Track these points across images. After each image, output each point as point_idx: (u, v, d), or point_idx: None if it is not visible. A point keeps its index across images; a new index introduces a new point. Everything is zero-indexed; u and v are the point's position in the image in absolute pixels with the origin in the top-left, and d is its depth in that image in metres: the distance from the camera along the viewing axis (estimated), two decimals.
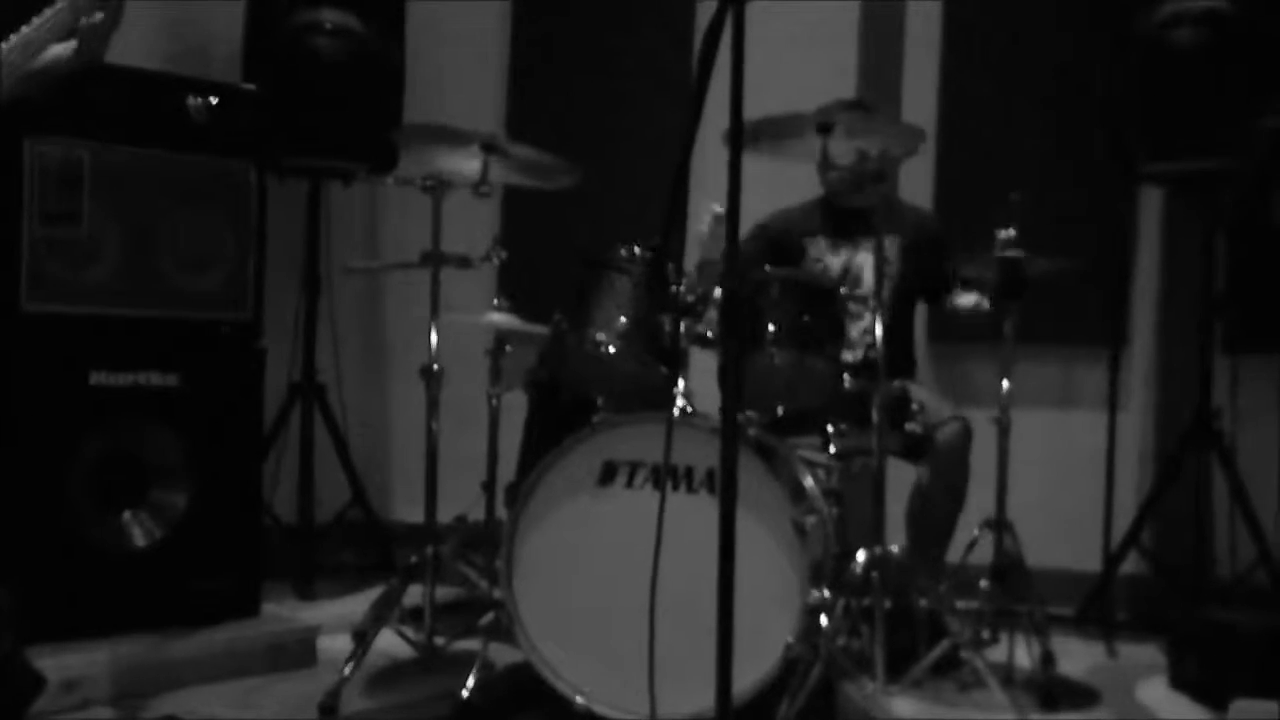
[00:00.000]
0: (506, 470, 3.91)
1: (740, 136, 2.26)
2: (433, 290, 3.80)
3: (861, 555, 3.61)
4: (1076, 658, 4.23)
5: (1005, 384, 3.86)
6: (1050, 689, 3.76)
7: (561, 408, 3.70)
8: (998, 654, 3.87)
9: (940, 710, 3.67)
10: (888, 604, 3.55)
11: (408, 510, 5.25)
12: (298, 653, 3.95)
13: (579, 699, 3.31)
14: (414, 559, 3.76)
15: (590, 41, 5.61)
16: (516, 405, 3.96)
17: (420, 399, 3.82)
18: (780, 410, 3.69)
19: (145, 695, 3.57)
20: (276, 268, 4.43)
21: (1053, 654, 3.86)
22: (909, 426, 3.98)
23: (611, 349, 3.47)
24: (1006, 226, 3.79)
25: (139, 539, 3.81)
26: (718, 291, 3.47)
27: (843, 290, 3.68)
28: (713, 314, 3.54)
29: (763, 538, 3.19)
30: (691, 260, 3.72)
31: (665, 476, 3.22)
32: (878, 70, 5.34)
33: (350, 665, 3.57)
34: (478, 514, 4.15)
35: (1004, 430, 3.86)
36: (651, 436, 3.23)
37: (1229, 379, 4.76)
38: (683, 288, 3.52)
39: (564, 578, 3.38)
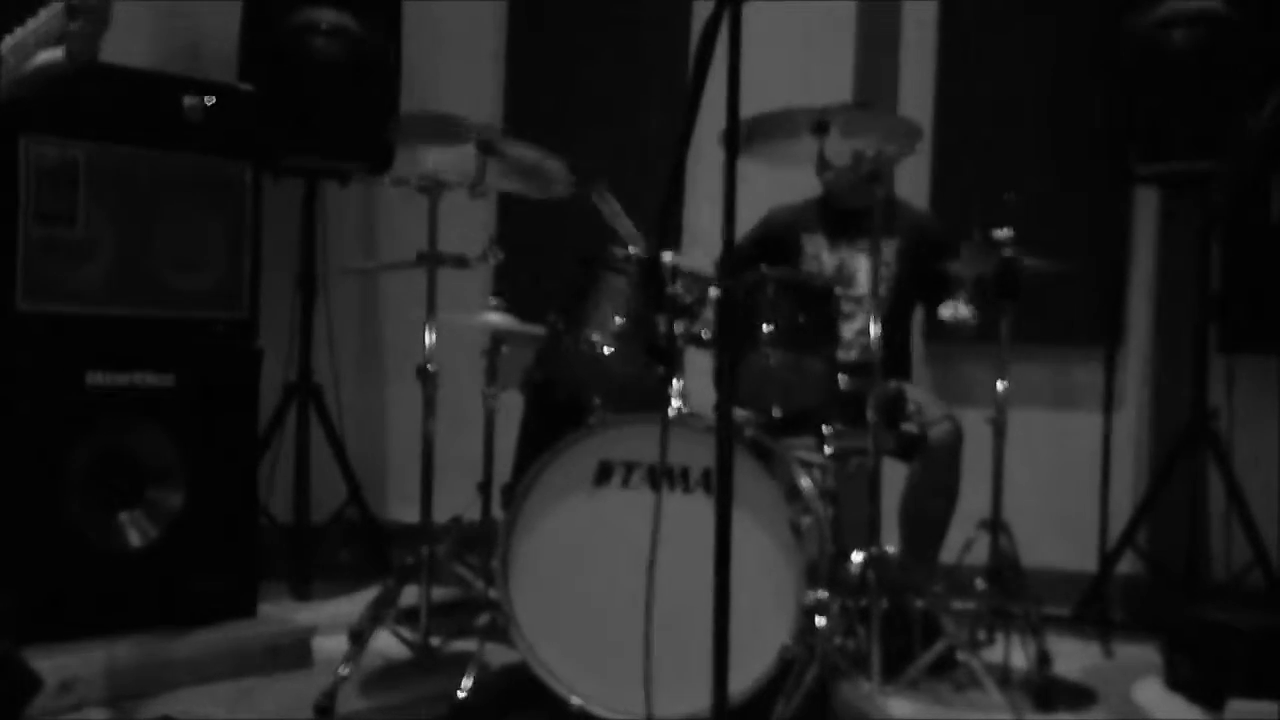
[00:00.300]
0: (502, 470, 3.91)
1: (736, 136, 2.26)
2: (429, 290, 3.80)
3: (857, 555, 3.61)
4: (1072, 658, 4.23)
5: (1001, 384, 3.86)
6: (1046, 689, 3.76)
7: (557, 408, 3.70)
8: (994, 654, 3.87)
9: (936, 710, 3.68)
10: (884, 604, 3.55)
11: (404, 510, 5.24)
12: (294, 653, 3.95)
13: (575, 699, 3.31)
14: (410, 559, 3.76)
15: (587, 42, 5.61)
16: (512, 405, 3.95)
17: (416, 399, 3.82)
18: (776, 410, 3.69)
19: (141, 696, 3.57)
20: (272, 268, 4.43)
21: (1048, 654, 3.86)
22: (904, 426, 3.98)
23: (607, 349, 3.47)
24: (1002, 226, 3.80)
25: (135, 539, 3.81)
26: (713, 291, 3.47)
27: (837, 290, 3.68)
28: (708, 314, 3.54)
29: (758, 538, 3.19)
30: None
31: (661, 477, 3.22)
32: (873, 71, 5.34)
33: (346, 666, 3.57)
34: (473, 514, 4.14)
35: (1000, 430, 3.86)
36: (647, 437, 3.23)
37: (1225, 379, 4.76)
38: (678, 288, 3.52)
39: (560, 578, 3.38)
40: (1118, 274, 5.05)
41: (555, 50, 5.66)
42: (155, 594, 3.79)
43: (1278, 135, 4.33)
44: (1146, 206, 5.09)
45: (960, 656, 3.72)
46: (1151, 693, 3.95)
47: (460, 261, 3.86)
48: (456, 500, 4.06)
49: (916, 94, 5.26)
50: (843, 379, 3.59)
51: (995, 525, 3.88)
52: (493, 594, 3.50)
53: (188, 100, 3.87)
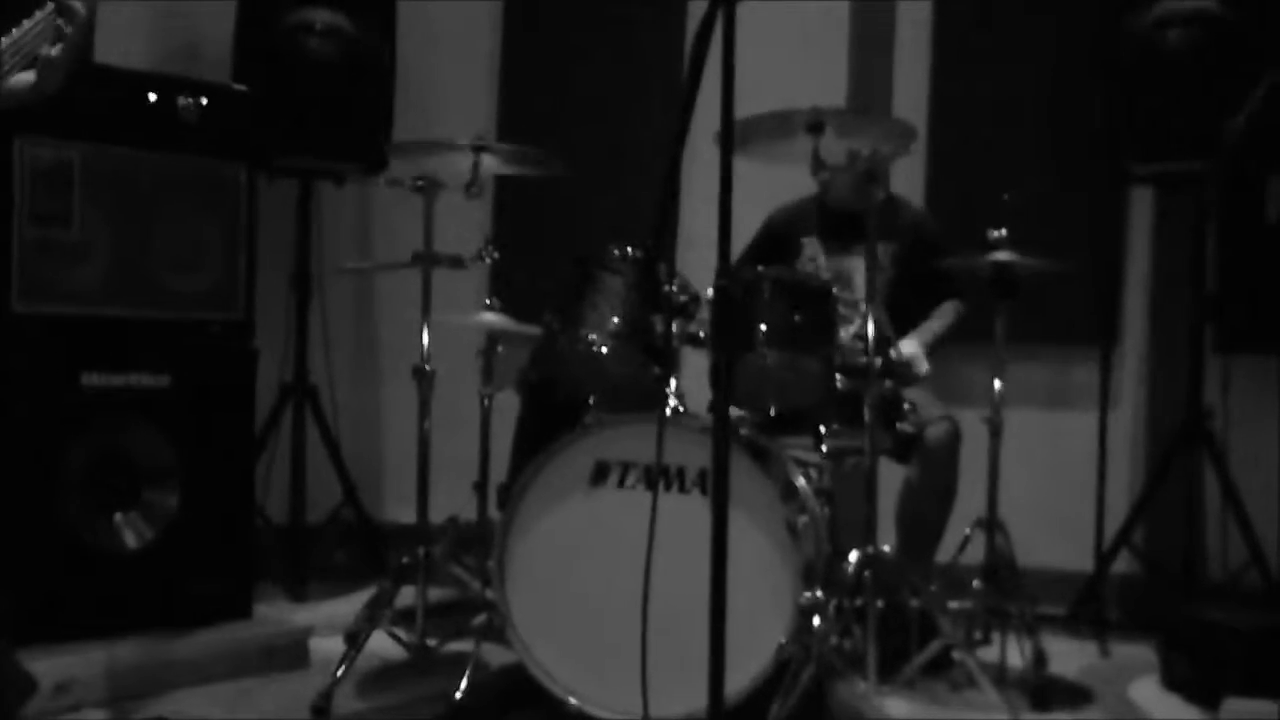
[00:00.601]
0: (498, 471, 3.91)
1: (731, 137, 2.26)
2: (424, 290, 3.80)
3: (854, 555, 3.61)
4: (1068, 657, 4.23)
5: (997, 384, 3.86)
6: (1042, 689, 3.76)
7: (553, 408, 3.70)
8: (990, 654, 3.87)
9: (932, 710, 3.68)
10: (880, 604, 3.54)
11: (400, 511, 5.25)
12: (290, 654, 3.95)
13: (571, 700, 3.31)
14: (406, 560, 3.75)
15: (582, 41, 5.61)
16: (508, 406, 3.95)
17: (412, 399, 3.82)
18: (772, 410, 3.69)
19: (138, 697, 3.57)
20: (268, 268, 4.43)
21: (1045, 654, 3.86)
22: (901, 426, 3.98)
23: (603, 349, 3.47)
24: (998, 227, 3.80)
25: (131, 541, 3.80)
26: (709, 291, 3.47)
27: (834, 292, 3.68)
28: (704, 314, 3.54)
29: (755, 538, 3.19)
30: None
31: (657, 477, 3.22)
32: (868, 71, 5.34)
33: (343, 667, 3.57)
34: (470, 515, 4.14)
35: (996, 430, 3.86)
36: (643, 436, 3.23)
37: (1220, 378, 4.77)
38: (674, 288, 3.52)
39: (556, 578, 3.38)
40: (1114, 274, 5.06)
41: (550, 50, 5.66)
42: (151, 595, 3.79)
43: (1256, 136, 4.33)
44: (1142, 206, 5.09)
45: (956, 656, 3.71)
46: (1148, 692, 3.95)
47: (456, 261, 3.86)
48: (453, 500, 4.06)
49: (911, 94, 5.26)
50: (839, 378, 3.58)
51: (991, 524, 3.88)
52: (489, 594, 3.50)
53: (182, 101, 3.87)
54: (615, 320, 3.49)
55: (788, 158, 3.66)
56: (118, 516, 3.80)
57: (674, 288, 3.52)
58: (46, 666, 3.28)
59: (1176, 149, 4.50)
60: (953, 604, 3.84)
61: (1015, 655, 3.87)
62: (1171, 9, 4.49)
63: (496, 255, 3.99)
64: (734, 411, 3.58)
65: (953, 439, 4.13)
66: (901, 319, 4.37)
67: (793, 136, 3.57)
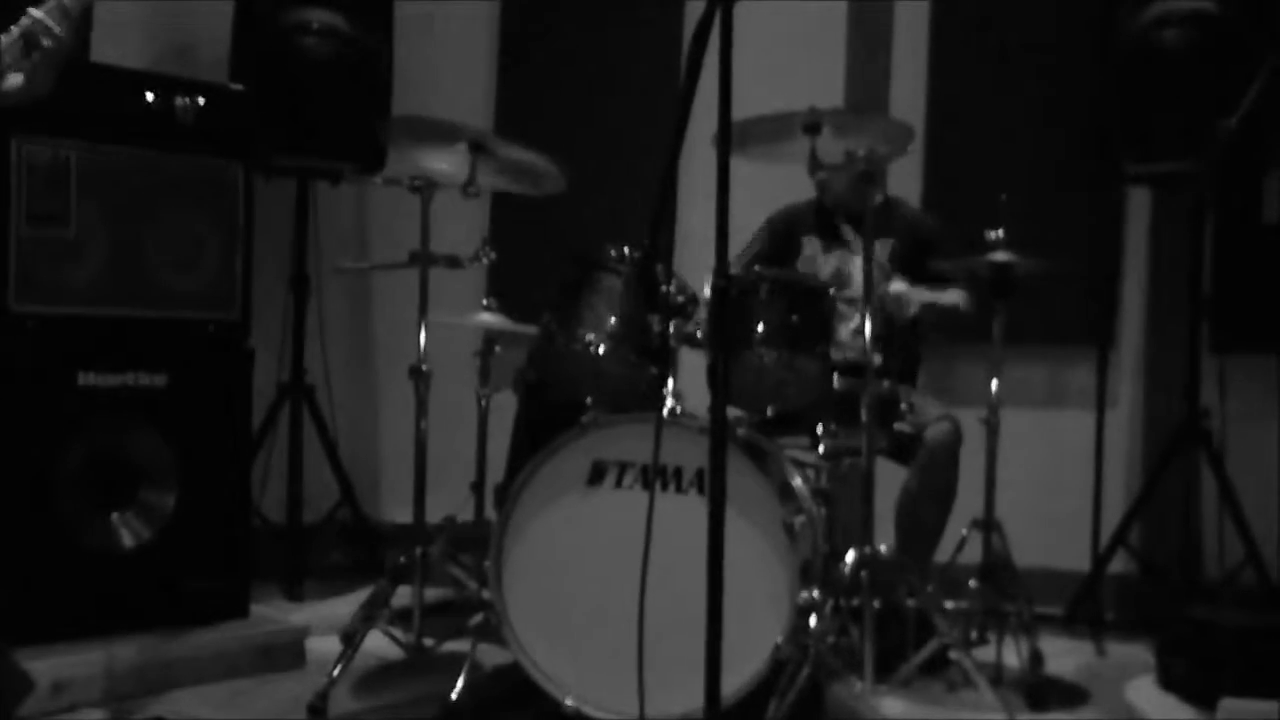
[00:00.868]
0: (495, 471, 3.91)
1: (728, 137, 2.26)
2: (421, 290, 3.80)
3: (850, 555, 3.61)
4: (1065, 657, 4.23)
5: (994, 384, 3.86)
6: (1039, 688, 3.76)
7: (550, 408, 3.70)
8: (986, 654, 3.87)
9: (929, 710, 3.68)
10: (876, 604, 3.55)
11: (396, 511, 5.25)
12: (286, 654, 3.95)
13: (568, 700, 3.31)
14: (403, 560, 3.75)
15: (579, 42, 5.61)
16: (505, 405, 3.96)
17: (409, 399, 3.82)
18: (769, 410, 3.69)
19: (134, 697, 3.56)
20: (264, 268, 4.43)
21: (1041, 654, 3.87)
22: (898, 426, 3.98)
23: (601, 349, 3.48)
24: (995, 227, 3.80)
25: (127, 540, 3.80)
26: (706, 291, 3.47)
27: (832, 292, 3.68)
28: (702, 314, 3.54)
29: (752, 538, 3.19)
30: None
31: (654, 477, 3.21)
32: (865, 71, 5.34)
33: (339, 666, 3.57)
34: (467, 514, 4.15)
35: (993, 430, 3.86)
36: (640, 436, 3.23)
37: (1217, 378, 4.77)
38: (672, 288, 3.52)
39: (553, 578, 3.38)
40: (1111, 274, 5.06)
41: (548, 50, 5.65)
42: (148, 595, 3.79)
43: (1250, 135, 4.33)
44: (1139, 206, 5.09)
45: (953, 656, 3.71)
46: (1144, 692, 3.95)
47: (453, 261, 3.86)
48: (450, 500, 4.06)
49: (908, 94, 5.26)
50: (836, 378, 3.58)
51: (988, 524, 3.88)
52: (486, 594, 3.50)
53: (179, 101, 3.87)
54: (613, 320, 3.49)
55: (785, 157, 3.67)
56: (114, 516, 3.80)
57: (671, 288, 3.52)
58: (43, 666, 3.28)
59: (1173, 149, 4.50)
60: (949, 604, 3.84)
61: (1012, 655, 3.87)
62: (1168, 9, 4.49)
63: (494, 255, 3.99)
64: (731, 412, 3.58)
65: (954, 439, 4.13)
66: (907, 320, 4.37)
67: (790, 137, 3.57)
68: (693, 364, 3.65)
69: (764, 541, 3.21)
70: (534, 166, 3.88)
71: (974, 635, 3.92)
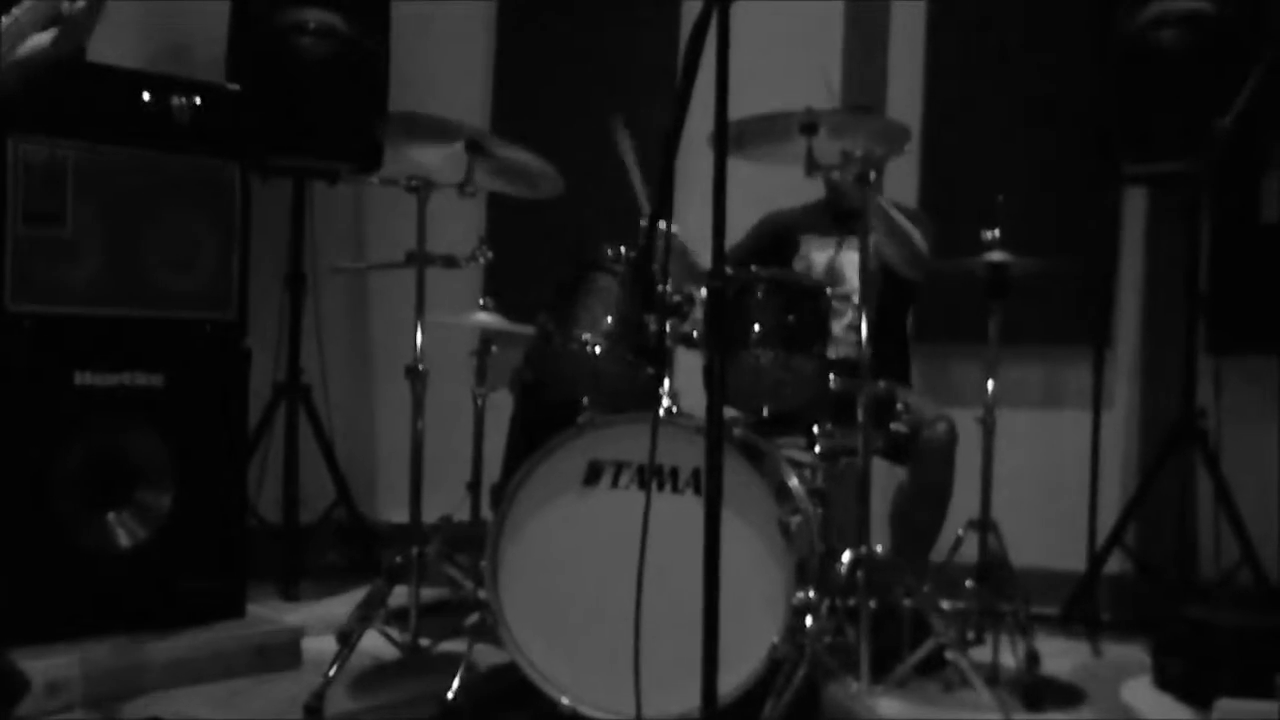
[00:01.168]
0: (492, 470, 3.91)
1: (725, 137, 2.26)
2: (418, 290, 3.79)
3: (847, 555, 3.61)
4: (1061, 657, 4.23)
5: (990, 384, 3.86)
6: (1035, 689, 3.76)
7: (547, 408, 3.70)
8: (982, 654, 3.87)
9: (925, 710, 3.68)
10: (873, 604, 3.55)
11: (393, 511, 5.25)
12: (283, 654, 3.95)
13: (564, 700, 3.31)
14: (399, 560, 3.75)
15: (576, 41, 5.61)
16: (502, 405, 3.96)
17: (405, 399, 3.81)
18: (765, 410, 3.69)
19: (130, 697, 3.56)
20: (261, 268, 4.42)
21: (1037, 654, 3.87)
22: (894, 426, 3.98)
23: (597, 349, 3.47)
24: (991, 227, 3.80)
25: (123, 540, 3.80)
26: (703, 291, 3.47)
27: (829, 291, 3.68)
28: (698, 314, 3.54)
29: (748, 538, 3.19)
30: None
31: (650, 477, 3.22)
32: (862, 71, 5.34)
33: (335, 666, 3.57)
34: (463, 514, 4.15)
35: (989, 430, 3.86)
36: (637, 436, 3.23)
37: (1213, 379, 4.78)
38: (668, 287, 3.52)
39: (549, 578, 3.38)
40: (1107, 274, 5.06)
41: (545, 51, 5.66)
42: (144, 595, 3.79)
43: (1247, 134, 4.34)
44: (1136, 207, 5.10)
45: (949, 656, 3.71)
46: (1140, 692, 3.95)
47: (449, 261, 3.86)
48: (446, 500, 4.06)
49: (905, 94, 5.26)
50: (832, 378, 3.58)
51: (984, 524, 3.88)
52: (482, 594, 3.50)
53: (175, 100, 3.87)
54: (609, 320, 3.49)
55: (782, 157, 3.67)
56: (110, 516, 3.80)
57: (668, 287, 3.52)
58: (38, 666, 3.27)
59: (1170, 149, 4.50)
60: (945, 604, 3.84)
61: (1008, 655, 3.87)
62: (1165, 9, 4.50)
63: (490, 255, 3.99)
64: (727, 412, 3.58)
65: (950, 439, 4.13)
66: (891, 314, 4.38)
67: (787, 137, 3.57)
68: (689, 364, 3.66)
69: (760, 541, 3.21)
70: (530, 167, 3.88)
71: (970, 635, 3.92)
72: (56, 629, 3.58)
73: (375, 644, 3.81)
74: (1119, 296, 5.12)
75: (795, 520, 3.33)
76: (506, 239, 4.34)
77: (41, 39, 2.72)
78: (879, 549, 3.66)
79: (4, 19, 2.70)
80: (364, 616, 3.70)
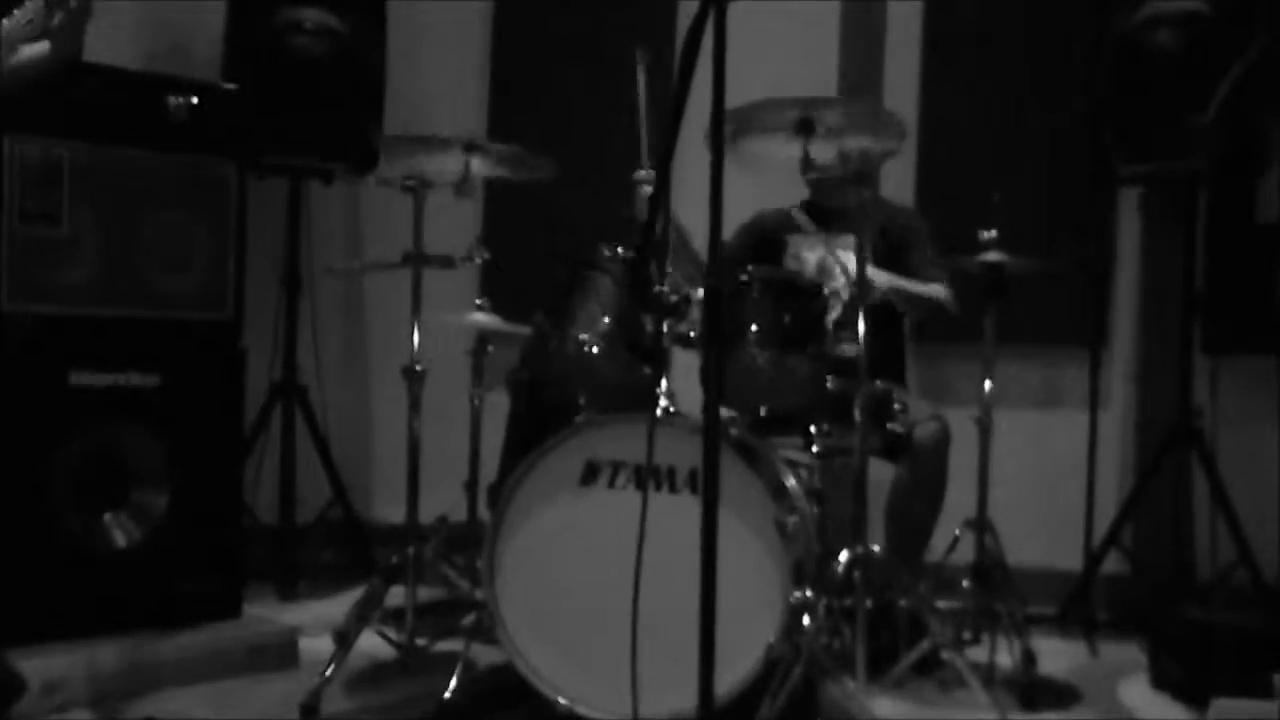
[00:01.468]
0: (488, 470, 3.91)
1: (721, 136, 2.26)
2: (414, 290, 3.79)
3: (843, 555, 3.61)
4: (1058, 657, 4.23)
5: (986, 384, 3.86)
6: (1031, 688, 3.76)
7: (543, 408, 3.69)
8: (979, 654, 3.87)
9: (921, 710, 3.68)
10: (869, 604, 3.55)
11: (389, 511, 5.24)
12: (279, 654, 3.94)
13: (561, 699, 3.31)
14: (395, 559, 3.75)
15: (572, 41, 5.61)
16: (498, 405, 3.95)
17: (402, 399, 3.81)
18: (762, 410, 3.69)
19: (126, 697, 3.56)
20: (257, 268, 4.42)
21: (1034, 653, 3.86)
22: (891, 426, 3.98)
23: (594, 349, 3.47)
24: (987, 226, 3.80)
25: (119, 540, 3.80)
26: (699, 291, 3.47)
27: (825, 290, 3.68)
28: (695, 314, 3.54)
29: (745, 538, 3.19)
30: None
31: (647, 477, 3.22)
32: (858, 70, 5.34)
33: (332, 666, 3.56)
34: (459, 514, 4.15)
35: (985, 430, 3.86)
36: (633, 436, 3.23)
37: (1209, 379, 4.78)
38: (665, 287, 3.52)
39: (546, 578, 3.38)
40: (1103, 274, 5.06)
41: (541, 50, 5.65)
42: (140, 595, 3.78)
43: (1225, 133, 4.35)
44: (1131, 206, 5.10)
45: (945, 656, 3.72)
46: (1136, 692, 3.96)
47: (446, 261, 3.86)
48: (442, 500, 4.06)
49: (901, 94, 5.26)
50: (829, 378, 3.58)
51: (980, 524, 3.88)
52: (479, 594, 3.50)
53: (171, 100, 3.86)
54: (606, 320, 3.49)
55: (777, 159, 3.67)
56: (106, 516, 3.79)
57: (664, 287, 3.52)
58: (35, 667, 3.26)
59: (1165, 149, 4.50)
60: (942, 604, 3.84)
61: (1004, 655, 3.87)
62: (1161, 9, 4.50)
63: (487, 255, 3.99)
64: (724, 411, 3.58)
65: (942, 439, 4.13)
66: (885, 312, 4.37)
67: (783, 136, 3.58)
68: (686, 364, 3.66)
69: (757, 541, 3.21)
70: (526, 157, 3.88)
71: (967, 635, 3.92)
72: (53, 629, 3.57)
73: (372, 644, 3.81)
74: (1115, 296, 5.12)
75: (792, 520, 3.32)
76: (503, 239, 4.33)
77: (39, 48, 2.72)
78: (876, 549, 3.66)
79: (3, 22, 2.70)
80: (361, 616, 3.70)
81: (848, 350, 3.58)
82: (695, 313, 3.54)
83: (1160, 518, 4.72)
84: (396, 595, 3.77)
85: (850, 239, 3.94)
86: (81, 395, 3.70)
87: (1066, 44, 4.99)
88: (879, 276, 4.10)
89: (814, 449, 3.72)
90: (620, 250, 3.57)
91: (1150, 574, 4.80)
